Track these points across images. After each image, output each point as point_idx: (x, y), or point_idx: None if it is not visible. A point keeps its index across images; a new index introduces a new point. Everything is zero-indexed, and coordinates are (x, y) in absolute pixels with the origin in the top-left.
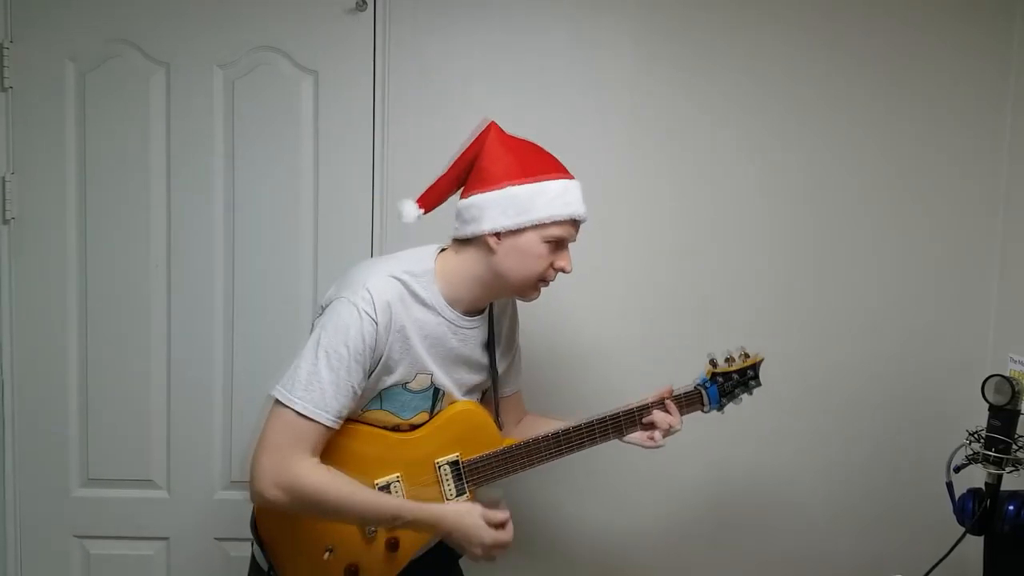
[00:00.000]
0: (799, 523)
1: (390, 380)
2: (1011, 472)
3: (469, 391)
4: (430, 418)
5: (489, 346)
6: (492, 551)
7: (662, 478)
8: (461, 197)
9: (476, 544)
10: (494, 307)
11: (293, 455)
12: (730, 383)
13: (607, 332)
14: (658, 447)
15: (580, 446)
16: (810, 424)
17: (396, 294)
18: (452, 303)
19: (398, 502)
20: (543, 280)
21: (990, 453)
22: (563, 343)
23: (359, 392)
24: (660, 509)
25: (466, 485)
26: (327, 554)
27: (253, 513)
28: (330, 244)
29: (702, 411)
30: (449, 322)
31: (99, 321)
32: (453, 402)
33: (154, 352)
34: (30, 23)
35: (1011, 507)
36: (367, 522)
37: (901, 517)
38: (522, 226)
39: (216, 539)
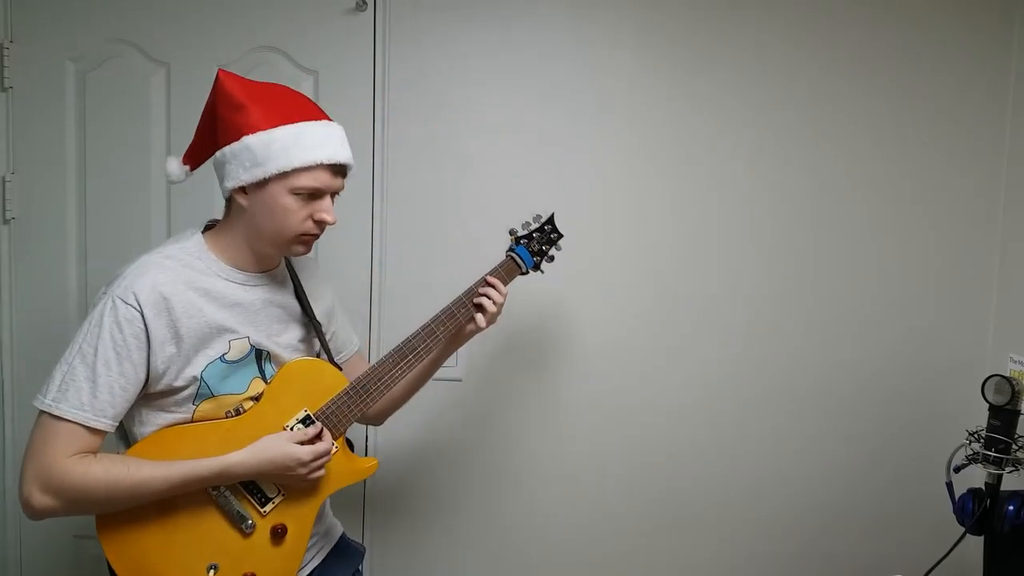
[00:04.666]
0: (799, 523)
1: (202, 358)
2: (1011, 472)
3: (296, 349)
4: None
5: (299, 297)
6: (314, 465)
7: (662, 478)
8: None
9: (296, 465)
10: (291, 261)
11: (56, 457)
12: (535, 242)
13: (607, 331)
14: (489, 324)
15: (427, 349)
16: (810, 424)
17: (169, 274)
18: (235, 266)
19: (214, 458)
20: (304, 235)
21: (990, 453)
22: (563, 342)
23: (131, 388)
24: (660, 508)
25: (330, 435)
26: (211, 572)
27: (107, 559)
28: (330, 243)
29: (521, 274)
30: (239, 284)
31: None
32: (283, 364)
33: None
34: (30, 23)
35: (1011, 507)
36: (183, 490)
37: (901, 517)
38: (260, 178)
39: None
